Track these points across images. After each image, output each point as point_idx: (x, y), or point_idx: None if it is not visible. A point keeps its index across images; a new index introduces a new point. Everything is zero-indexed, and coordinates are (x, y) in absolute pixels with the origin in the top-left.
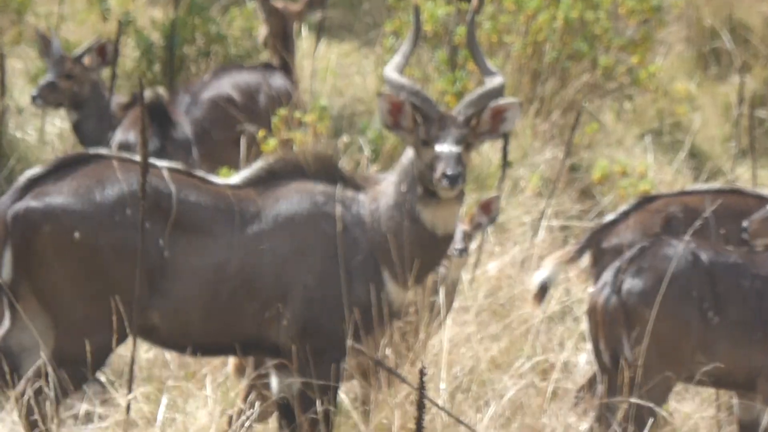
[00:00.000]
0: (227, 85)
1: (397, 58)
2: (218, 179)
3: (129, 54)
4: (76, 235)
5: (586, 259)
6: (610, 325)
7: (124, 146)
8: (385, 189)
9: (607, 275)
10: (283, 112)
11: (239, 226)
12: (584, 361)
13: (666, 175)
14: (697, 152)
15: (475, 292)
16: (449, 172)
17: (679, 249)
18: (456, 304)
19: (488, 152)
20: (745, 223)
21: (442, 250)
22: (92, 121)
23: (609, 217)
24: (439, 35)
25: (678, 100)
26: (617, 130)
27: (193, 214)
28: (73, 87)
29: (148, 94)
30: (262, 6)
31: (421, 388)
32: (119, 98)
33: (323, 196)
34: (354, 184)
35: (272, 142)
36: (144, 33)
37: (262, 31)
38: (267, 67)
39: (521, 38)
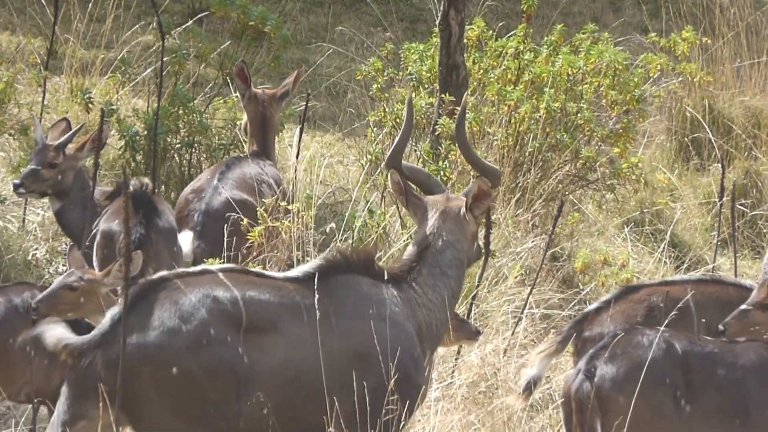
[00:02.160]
0: (237, 184)
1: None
2: (275, 274)
3: (112, 143)
4: (174, 370)
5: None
6: (583, 412)
7: (108, 235)
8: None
9: (581, 362)
10: (268, 201)
11: (307, 321)
12: None
13: (647, 265)
14: (678, 242)
15: (457, 380)
16: None
17: (652, 337)
18: (438, 393)
19: None
20: (721, 327)
21: None
22: (75, 209)
23: (591, 306)
24: (421, 126)
25: (659, 191)
26: (599, 220)
27: (263, 314)
28: (57, 175)
29: (133, 182)
30: (240, 92)
31: None
32: (104, 187)
33: (377, 295)
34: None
35: (257, 231)
36: (127, 122)
37: (242, 117)
38: (256, 155)
39: (503, 129)
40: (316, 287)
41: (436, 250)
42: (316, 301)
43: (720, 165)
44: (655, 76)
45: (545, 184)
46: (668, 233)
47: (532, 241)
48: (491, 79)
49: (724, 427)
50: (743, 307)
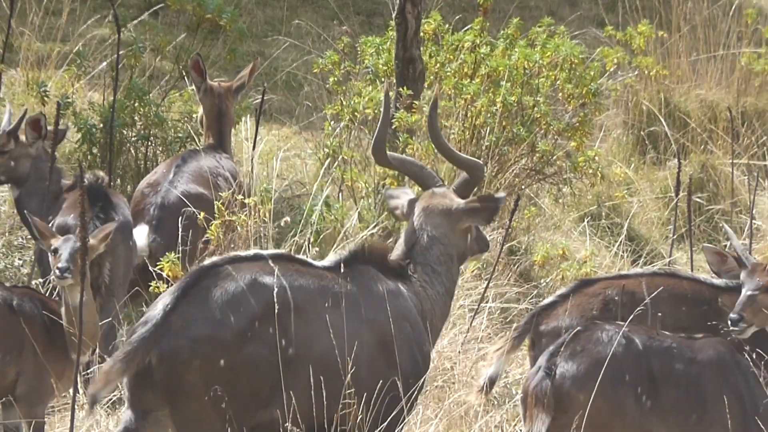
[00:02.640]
0: (193, 178)
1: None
2: (315, 262)
3: (68, 136)
4: (222, 362)
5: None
6: (544, 408)
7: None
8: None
9: (542, 359)
10: (225, 194)
11: (344, 310)
12: None
13: (604, 259)
14: (635, 236)
15: None
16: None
17: (612, 333)
18: None
19: None
20: (735, 316)
21: None
22: (34, 199)
23: (547, 300)
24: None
25: (616, 184)
26: (555, 214)
27: (307, 303)
28: (9, 162)
29: (88, 176)
30: (196, 85)
31: None
32: (65, 180)
33: (395, 288)
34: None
35: (214, 225)
36: (83, 116)
37: (198, 110)
38: (212, 148)
39: (460, 122)
40: (345, 275)
41: (422, 247)
42: (347, 289)
43: (676, 159)
44: (612, 69)
45: (502, 178)
46: (625, 227)
47: (489, 235)
48: (448, 73)
49: (682, 422)
50: (748, 293)
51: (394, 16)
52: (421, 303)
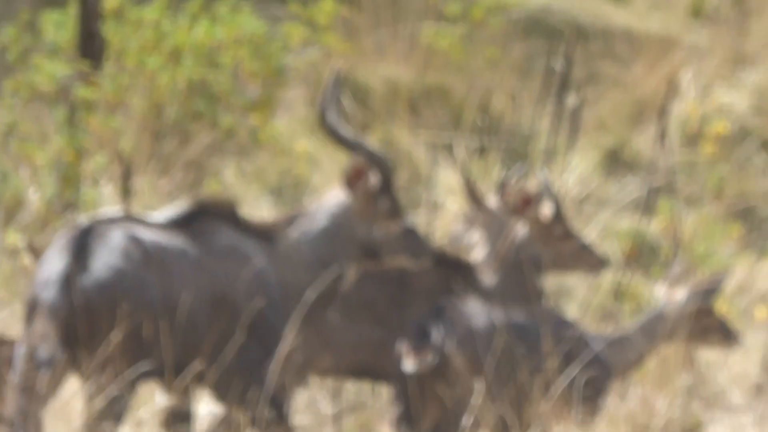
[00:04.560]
0: None
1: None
2: (155, 219)
3: None
4: (125, 306)
5: None
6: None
7: None
8: None
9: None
10: None
11: (190, 263)
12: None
13: None
14: None
15: None
16: None
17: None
18: None
19: (109, 207)
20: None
21: None
22: None
23: None
24: (56, 94)
25: (298, 159)
26: (238, 188)
27: (164, 256)
28: None
29: None
30: None
31: None
32: None
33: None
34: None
35: None
36: None
37: None
38: None
39: (142, 97)
40: (187, 230)
41: (310, 218)
42: (189, 243)
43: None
44: (296, 46)
45: (185, 153)
46: (307, 201)
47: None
48: (129, 49)
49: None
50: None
51: None
52: (277, 265)
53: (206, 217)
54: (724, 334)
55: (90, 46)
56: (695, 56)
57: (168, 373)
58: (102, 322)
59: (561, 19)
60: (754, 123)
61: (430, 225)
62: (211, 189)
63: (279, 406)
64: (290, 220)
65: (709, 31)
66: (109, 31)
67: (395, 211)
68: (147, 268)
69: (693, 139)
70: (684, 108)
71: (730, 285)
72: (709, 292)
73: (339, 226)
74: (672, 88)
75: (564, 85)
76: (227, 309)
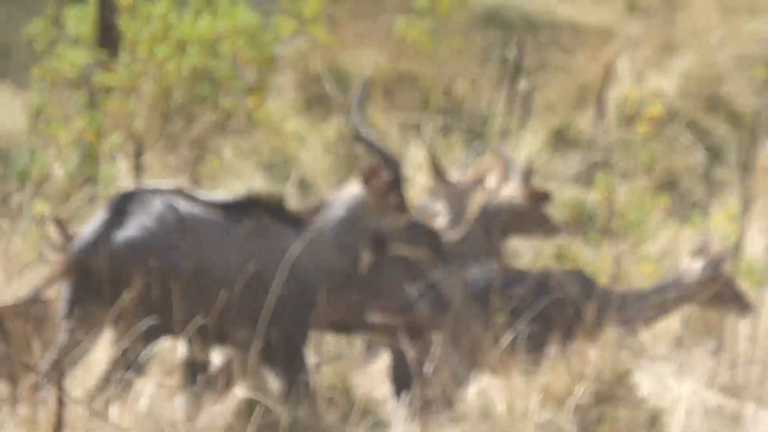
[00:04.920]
0: None
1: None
2: (211, 197)
3: None
4: (153, 264)
5: None
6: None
7: None
8: None
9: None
10: None
11: (228, 239)
12: None
13: None
14: (305, 183)
15: None
16: None
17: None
18: None
19: (123, 181)
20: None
21: None
22: None
23: None
24: (78, 80)
25: (288, 138)
26: (235, 164)
27: (204, 229)
28: None
29: None
30: None
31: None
32: None
33: (280, 230)
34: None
35: None
36: None
37: None
38: None
39: (152, 83)
40: (236, 213)
41: (331, 208)
42: (232, 222)
43: (340, 116)
44: (286, 37)
45: (190, 132)
46: (296, 175)
47: (179, 182)
48: (141, 39)
49: None
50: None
51: None
52: (312, 249)
53: (253, 205)
54: (739, 303)
55: (107, 38)
56: (630, 46)
57: (187, 333)
58: (128, 278)
59: (514, 13)
60: (681, 105)
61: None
62: (211, 164)
63: (299, 368)
64: (315, 210)
65: (642, 23)
66: (124, 24)
67: (403, 206)
68: (180, 235)
69: (628, 119)
70: (620, 92)
71: (657, 249)
72: (720, 263)
73: (355, 216)
74: (610, 75)
75: (517, 72)
76: (259, 281)
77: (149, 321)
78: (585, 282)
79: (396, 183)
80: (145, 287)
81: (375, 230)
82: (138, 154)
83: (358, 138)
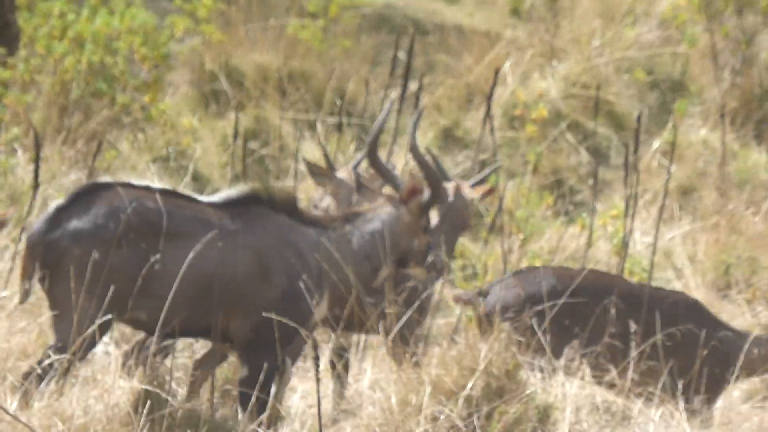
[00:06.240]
0: None
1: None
2: (203, 198)
3: None
4: (96, 255)
5: None
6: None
7: None
8: None
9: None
10: None
11: (218, 236)
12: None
13: None
14: (199, 176)
15: None
16: None
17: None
18: None
19: (21, 173)
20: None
21: None
22: None
23: None
24: None
25: (183, 133)
26: (132, 157)
27: (182, 230)
28: None
29: None
30: None
31: None
32: None
33: (289, 225)
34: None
35: None
36: None
37: None
38: None
39: (51, 78)
40: (233, 213)
41: (365, 219)
42: (228, 223)
43: (234, 112)
44: (180, 35)
45: (87, 126)
46: (190, 169)
47: (75, 174)
48: (40, 36)
49: None
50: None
51: None
52: (323, 251)
53: (258, 203)
54: None
55: (6, 34)
56: (515, 49)
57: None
58: (68, 267)
59: (403, 16)
60: (564, 108)
61: (295, 191)
62: (108, 157)
63: (269, 357)
64: (349, 217)
65: (527, 28)
66: (23, 20)
67: (429, 229)
68: (138, 234)
69: (513, 120)
70: (506, 93)
71: (544, 245)
72: None
73: (387, 230)
74: (496, 77)
75: (407, 72)
76: (263, 274)
77: (92, 313)
78: (696, 309)
79: (430, 205)
80: (84, 278)
81: (404, 249)
82: (36, 146)
83: (413, 154)
